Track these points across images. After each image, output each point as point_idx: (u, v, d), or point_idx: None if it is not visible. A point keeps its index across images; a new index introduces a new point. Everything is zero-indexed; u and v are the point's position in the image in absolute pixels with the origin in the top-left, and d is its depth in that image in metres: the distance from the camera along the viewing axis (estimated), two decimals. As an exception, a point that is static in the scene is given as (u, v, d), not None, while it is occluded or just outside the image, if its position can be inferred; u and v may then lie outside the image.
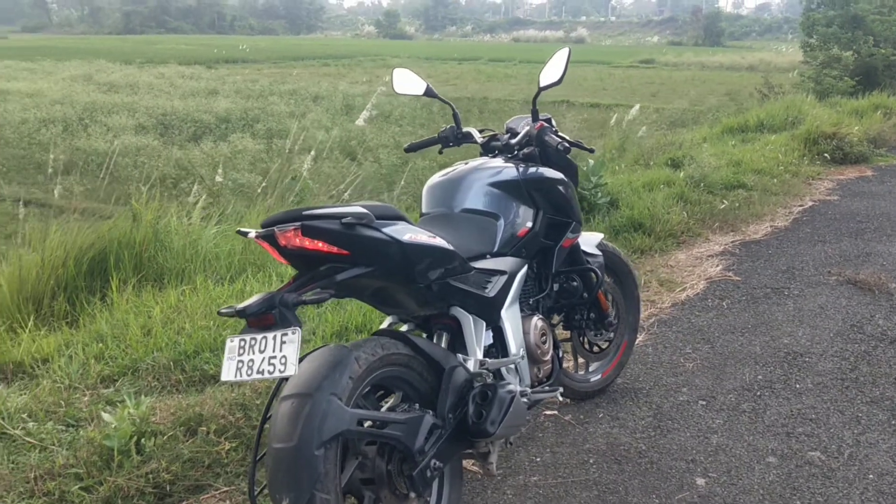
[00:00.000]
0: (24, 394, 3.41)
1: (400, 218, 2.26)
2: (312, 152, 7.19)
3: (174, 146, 13.77)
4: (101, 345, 3.90)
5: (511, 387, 2.45)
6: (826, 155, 9.39)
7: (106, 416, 2.99)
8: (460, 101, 21.85)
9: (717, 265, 5.43)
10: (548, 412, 3.40)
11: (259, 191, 7.00)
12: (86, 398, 3.41)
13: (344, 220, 2.08)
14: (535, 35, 77.70)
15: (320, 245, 2.06)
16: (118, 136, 13.96)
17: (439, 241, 2.34)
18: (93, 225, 5.36)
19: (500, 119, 17.93)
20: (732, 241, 6.01)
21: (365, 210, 2.12)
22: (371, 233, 2.14)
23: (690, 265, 5.44)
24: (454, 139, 3.20)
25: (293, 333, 1.95)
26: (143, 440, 2.91)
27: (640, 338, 4.23)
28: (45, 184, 6.60)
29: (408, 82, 3.17)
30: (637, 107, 12.13)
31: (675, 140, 9.84)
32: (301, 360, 2.14)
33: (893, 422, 3.33)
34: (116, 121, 15.56)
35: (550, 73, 2.88)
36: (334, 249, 2.08)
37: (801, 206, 7.22)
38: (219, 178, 6.90)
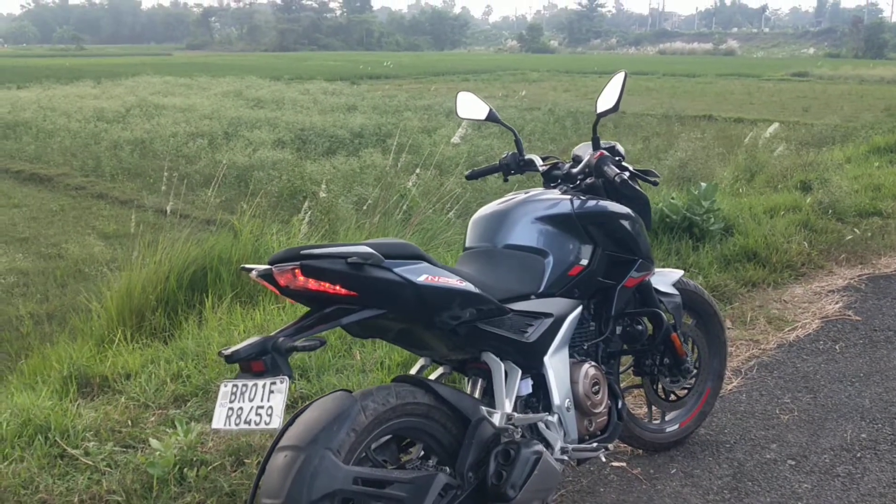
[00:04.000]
0: (98, 410, 3.47)
1: (418, 257, 2.12)
2: (418, 169, 7.13)
3: (308, 160, 14.15)
4: (181, 363, 3.94)
5: (538, 446, 2.24)
6: (985, 179, 8.46)
7: (154, 442, 3.00)
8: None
9: (837, 302, 4.94)
10: (615, 464, 3.15)
11: (365, 208, 7.01)
12: (153, 418, 3.44)
13: (349, 260, 1.96)
14: (682, 47, 75.44)
15: (326, 286, 1.95)
16: (257, 150, 14.50)
17: (463, 284, 2.16)
18: (201, 239, 5.50)
19: (634, 134, 17.44)
20: (859, 276, 5.46)
21: (370, 250, 1.99)
22: (381, 273, 2.01)
23: (806, 301, 4.98)
24: (516, 166, 3.02)
25: (281, 383, 1.85)
26: (186, 470, 2.88)
27: (735, 382, 3.88)
28: (172, 195, 6.87)
29: (471, 107, 3.03)
30: (776, 124, 11.42)
31: (814, 160, 9.16)
32: (307, 406, 2.03)
33: None
34: (258, 135, 16.13)
35: (607, 98, 2.65)
36: (341, 291, 1.96)
37: (945, 236, 6.51)
38: (323, 195, 6.95)
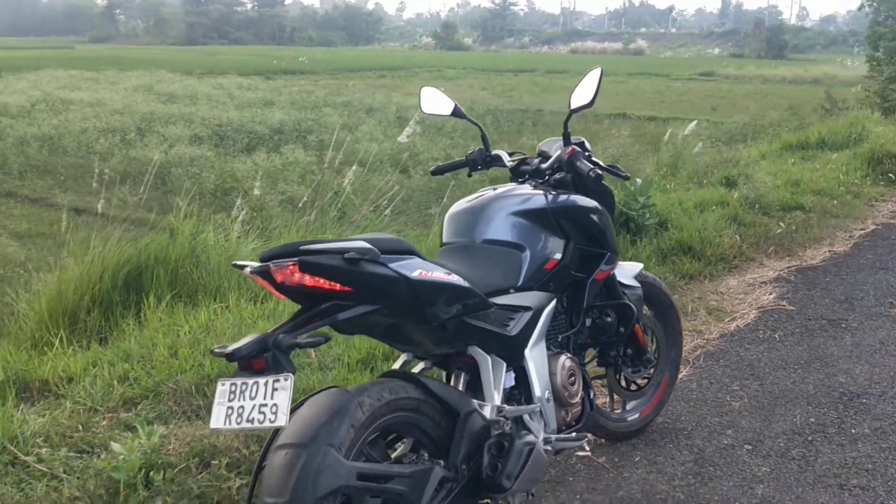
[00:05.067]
0: (45, 415, 3.33)
1: (410, 252, 2.11)
2: (354, 166, 7.09)
3: (227, 157, 13.86)
4: (126, 365, 3.81)
5: (530, 437, 2.27)
6: (891, 175, 8.90)
7: (116, 446, 2.89)
8: (514, 113, 21.70)
9: (771, 293, 5.15)
10: (580, 453, 3.18)
11: (300, 205, 6.92)
12: (104, 422, 3.32)
13: (346, 256, 1.94)
14: (594, 47, 76.86)
15: (321, 282, 1.92)
16: (173, 146, 14.12)
17: (454, 278, 2.17)
18: (132, 238, 5.33)
19: (553, 132, 17.71)
20: (788, 267, 5.70)
21: (368, 245, 1.97)
22: (376, 269, 1.99)
23: (742, 292, 5.17)
24: (482, 162, 3.04)
25: (285, 380, 1.82)
26: (151, 473, 2.79)
27: (684, 372, 4.00)
28: (99, 193, 6.64)
29: (435, 102, 3.04)
30: (694, 122, 11.79)
31: (732, 157, 9.50)
32: (301, 403, 2.00)
33: (960, 475, 3.05)
34: (173, 131, 15.73)
35: (582, 94, 2.70)
36: (336, 286, 1.94)
37: (862, 229, 6.84)
38: (257, 192, 6.84)
